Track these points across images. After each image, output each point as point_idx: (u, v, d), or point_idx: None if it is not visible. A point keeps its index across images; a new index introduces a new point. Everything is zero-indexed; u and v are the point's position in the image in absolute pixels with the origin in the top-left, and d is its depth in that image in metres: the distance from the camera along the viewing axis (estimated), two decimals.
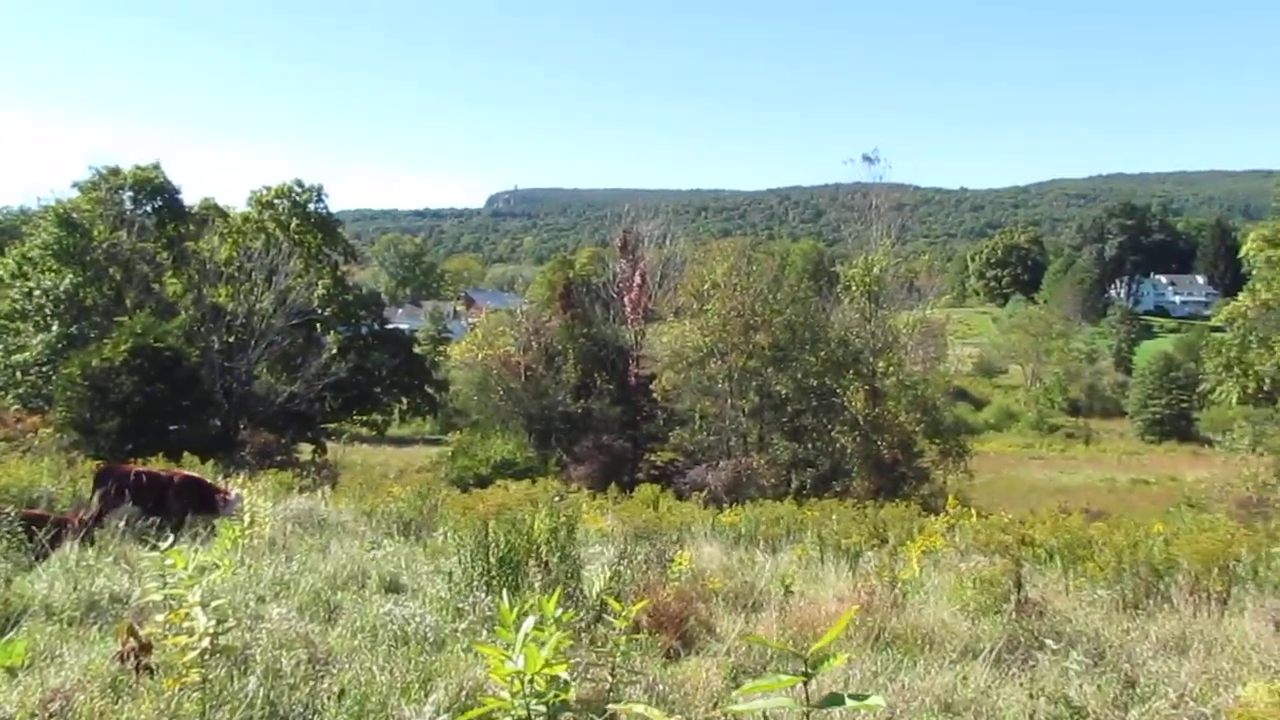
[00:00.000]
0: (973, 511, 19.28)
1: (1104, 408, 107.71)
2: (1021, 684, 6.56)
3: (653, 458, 47.22)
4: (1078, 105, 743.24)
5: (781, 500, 25.70)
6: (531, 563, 8.32)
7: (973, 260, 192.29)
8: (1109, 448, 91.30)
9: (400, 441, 68.92)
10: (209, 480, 15.50)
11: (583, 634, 6.56)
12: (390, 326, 66.16)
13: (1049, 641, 7.41)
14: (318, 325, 55.12)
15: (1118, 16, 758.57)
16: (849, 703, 2.78)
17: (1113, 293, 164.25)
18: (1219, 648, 7.70)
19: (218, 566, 8.01)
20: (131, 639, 5.74)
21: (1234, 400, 38.93)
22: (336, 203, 77.17)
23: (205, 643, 5.12)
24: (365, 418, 62.84)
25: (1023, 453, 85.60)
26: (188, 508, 13.06)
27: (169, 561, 5.34)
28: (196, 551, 9.45)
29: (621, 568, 8.76)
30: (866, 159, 47.45)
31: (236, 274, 47.49)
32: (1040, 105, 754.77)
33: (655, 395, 45.32)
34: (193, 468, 19.40)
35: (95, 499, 13.78)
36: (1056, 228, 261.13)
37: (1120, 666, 7.11)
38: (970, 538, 14.35)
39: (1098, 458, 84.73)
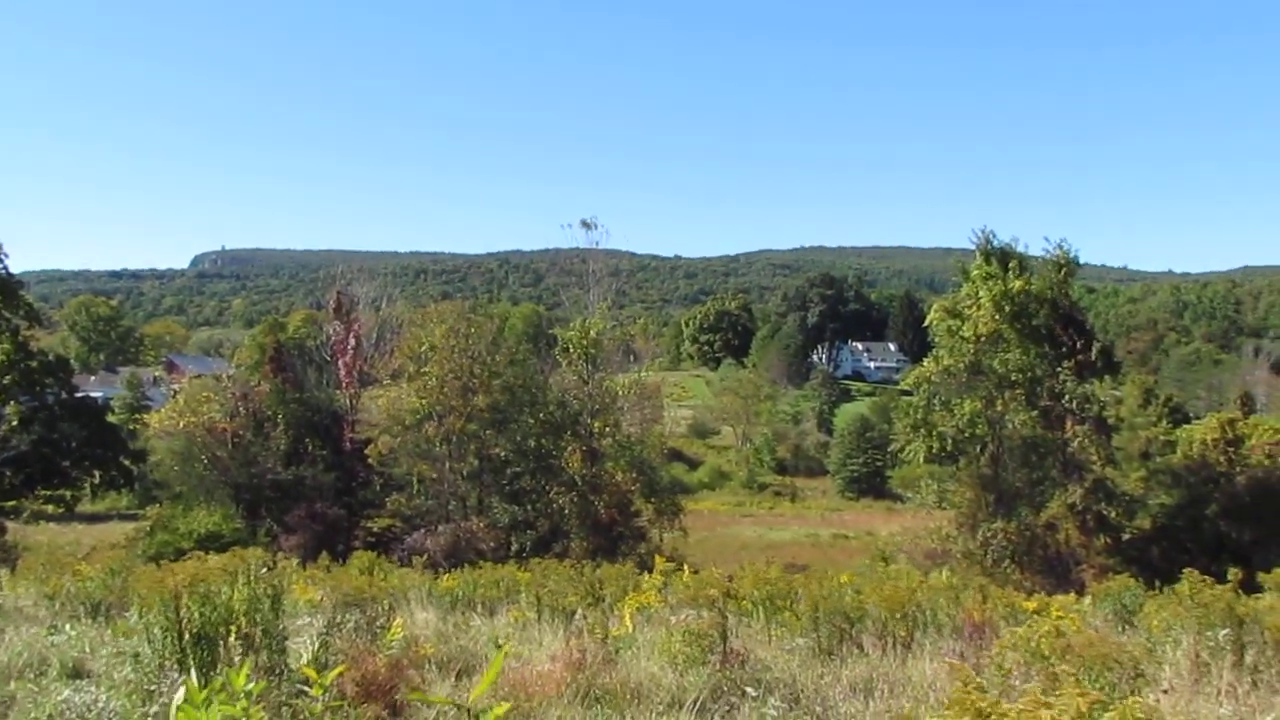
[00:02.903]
0: (686, 568, 19.82)
1: (808, 467, 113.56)
2: None
3: (370, 524, 45.93)
4: (783, 180, 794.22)
5: (502, 563, 25.55)
6: (232, 637, 7.90)
7: (687, 325, 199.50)
8: (813, 505, 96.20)
9: (93, 518, 63.90)
10: None
11: (284, 708, 6.29)
12: (81, 395, 61.27)
13: (749, 689, 7.72)
14: None
15: (815, 98, 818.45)
16: None
17: (815, 358, 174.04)
18: (902, 688, 8.25)
19: None
20: None
21: (921, 459, 41.88)
22: (19, 263, 70.99)
23: None
24: (52, 494, 57.83)
25: (735, 510, 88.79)
26: None
27: None
28: None
29: (330, 638, 8.47)
30: (585, 225, 48.49)
31: None
32: (749, 179, 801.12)
33: (371, 460, 44.25)
34: None
35: None
36: (764, 295, 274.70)
37: (814, 710, 7.50)
38: (681, 593, 14.75)
39: (803, 514, 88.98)
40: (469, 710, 2.85)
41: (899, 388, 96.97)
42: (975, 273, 40.15)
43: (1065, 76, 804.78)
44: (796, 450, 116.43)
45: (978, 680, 3.66)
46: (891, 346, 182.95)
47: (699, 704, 7.25)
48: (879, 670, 8.84)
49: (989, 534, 37.02)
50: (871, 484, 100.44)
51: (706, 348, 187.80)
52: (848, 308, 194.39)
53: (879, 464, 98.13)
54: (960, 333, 39.48)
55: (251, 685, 4.13)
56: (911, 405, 42.74)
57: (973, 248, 40.92)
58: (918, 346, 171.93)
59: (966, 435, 38.99)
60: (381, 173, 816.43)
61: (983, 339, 38.75)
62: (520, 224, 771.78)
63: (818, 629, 10.37)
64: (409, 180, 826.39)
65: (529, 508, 42.30)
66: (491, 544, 38.19)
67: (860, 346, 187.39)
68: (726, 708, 7.42)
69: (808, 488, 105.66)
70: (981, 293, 39.10)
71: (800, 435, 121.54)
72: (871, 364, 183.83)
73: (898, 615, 10.23)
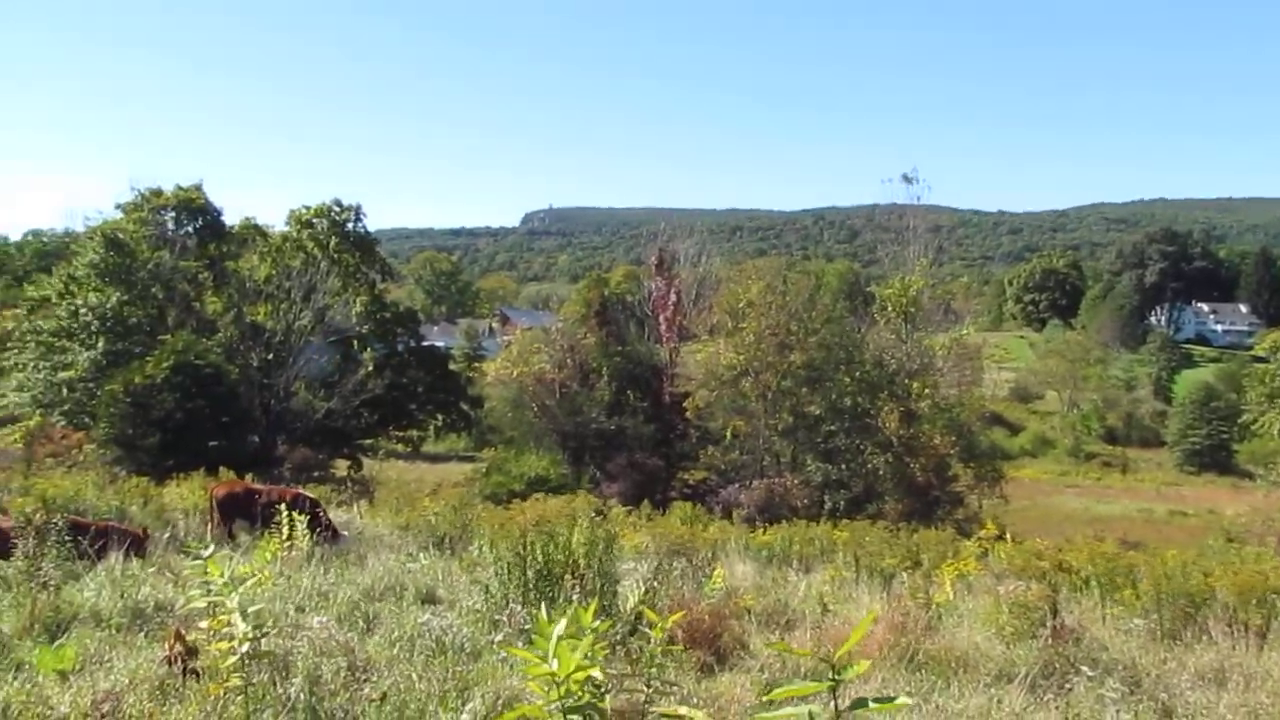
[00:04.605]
0: (1008, 537, 19.16)
1: (1142, 437, 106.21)
2: (1057, 709, 6.55)
3: (685, 476, 47.14)
4: (1120, 130, 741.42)
5: (815, 521, 25.61)
6: (568, 576, 8.38)
7: (1010, 284, 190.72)
8: (1146, 478, 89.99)
9: (435, 458, 69.16)
10: (321, 504, 16.08)
11: (618, 647, 6.62)
12: (426, 344, 66.33)
13: (1085, 668, 7.37)
14: (355, 343, 55.45)
15: (1160, 45, 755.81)
16: (875, 705, 2.85)
17: (1152, 320, 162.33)
18: (1258, 681, 7.63)
19: (255, 576, 8.14)
20: (178, 644, 5.87)
21: (1276, 432, 38.42)
22: (373, 222, 76.45)
23: (246, 648, 5.21)
24: (401, 434, 63.03)
25: (1058, 480, 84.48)
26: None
27: (208, 570, 5.43)
28: (236, 562, 9.65)
29: (656, 583, 8.81)
30: (906, 179, 47.56)
31: (275, 292, 47.97)
32: (1081, 129, 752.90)
33: (688, 414, 45.29)
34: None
35: (217, 514, 15.27)
36: (1096, 252, 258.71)
37: (1157, 696, 7.08)
38: (1005, 563, 14.29)
39: (1134, 488, 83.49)
40: (833, 665, 2.90)
41: (1252, 353, 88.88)
42: None
43: None
44: (1129, 419, 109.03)
45: None
46: (1242, 308, 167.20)
47: (1029, 679, 7.02)
48: (1230, 660, 8.23)
49: None
50: (1215, 458, 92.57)
51: (1031, 307, 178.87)
52: (1191, 265, 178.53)
53: (1224, 436, 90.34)
54: None
55: (598, 624, 4.36)
56: (1267, 373, 39.35)
57: None
58: (1274, 308, 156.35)
59: None
60: (699, 133, 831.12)
61: None
62: (835, 181, 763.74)
63: (1160, 610, 9.77)
64: (726, 139, 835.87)
65: (843, 467, 42.00)
66: (804, 501, 38.23)
67: (1205, 308, 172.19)
68: (1059, 685, 7.14)
69: (1140, 459, 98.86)
70: None
71: (1134, 402, 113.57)
72: (1218, 327, 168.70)
73: (1252, 602, 9.46)
